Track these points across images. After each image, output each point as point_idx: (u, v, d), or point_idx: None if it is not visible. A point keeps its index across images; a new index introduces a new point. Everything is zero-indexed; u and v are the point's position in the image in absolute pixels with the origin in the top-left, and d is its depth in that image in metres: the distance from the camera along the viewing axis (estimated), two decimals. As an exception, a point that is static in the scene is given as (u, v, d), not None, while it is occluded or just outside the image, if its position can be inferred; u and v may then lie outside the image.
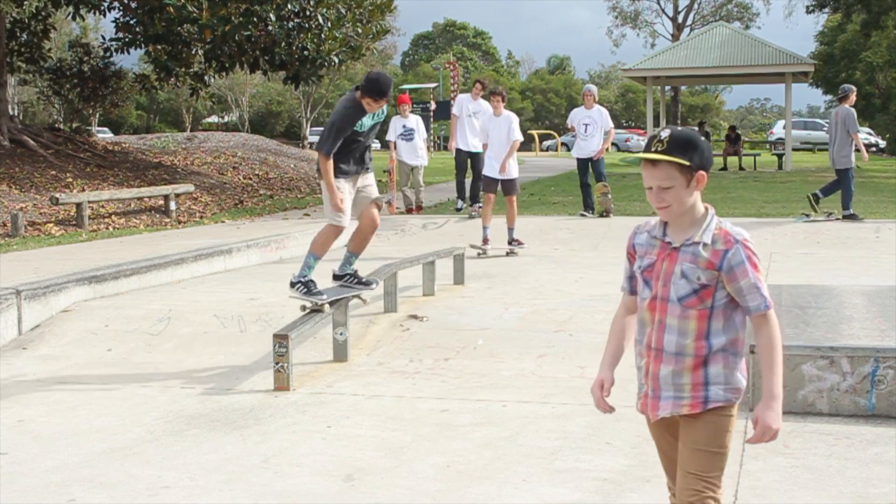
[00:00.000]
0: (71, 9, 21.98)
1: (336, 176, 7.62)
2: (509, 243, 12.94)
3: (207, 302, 9.27)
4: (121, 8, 22.65)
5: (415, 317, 8.58)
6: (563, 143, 58.59)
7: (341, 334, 7.43)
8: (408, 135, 16.99)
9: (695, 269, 3.20)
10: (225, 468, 5.12)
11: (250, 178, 25.33)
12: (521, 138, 13.01)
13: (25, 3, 19.24)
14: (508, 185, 12.87)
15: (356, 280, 7.88)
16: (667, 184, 3.16)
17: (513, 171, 12.87)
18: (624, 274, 3.53)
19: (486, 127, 13.25)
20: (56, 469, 5.14)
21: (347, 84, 74.92)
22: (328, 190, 7.59)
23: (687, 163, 3.12)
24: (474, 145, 16.37)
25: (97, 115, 37.04)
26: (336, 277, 7.92)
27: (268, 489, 4.80)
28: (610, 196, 16.13)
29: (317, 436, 5.68)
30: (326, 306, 7.44)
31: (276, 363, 6.73)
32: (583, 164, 16.22)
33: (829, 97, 67.95)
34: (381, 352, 7.71)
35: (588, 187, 16.23)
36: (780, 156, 33.61)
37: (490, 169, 12.88)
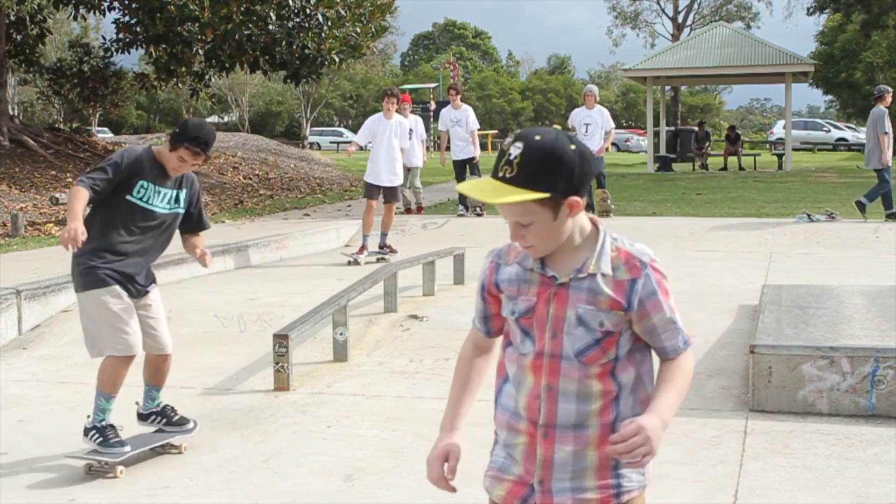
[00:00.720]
0: (71, 9, 21.99)
1: (99, 276, 5.30)
2: (381, 247, 12.52)
3: (208, 302, 9.27)
4: (121, 8, 22.66)
5: (415, 317, 8.59)
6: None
7: (341, 334, 7.43)
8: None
9: (595, 313, 2.42)
10: (225, 468, 5.12)
11: (250, 178, 25.32)
12: (405, 145, 12.57)
13: (27, 1, 19.24)
14: (390, 193, 12.40)
15: (165, 419, 5.56)
16: (526, 219, 2.38)
17: (398, 179, 12.49)
18: (476, 314, 2.70)
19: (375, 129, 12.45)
20: (56, 469, 5.14)
21: (347, 84, 75.07)
22: (69, 219, 5.16)
23: (545, 194, 2.32)
24: (467, 151, 16.64)
25: (97, 115, 37.05)
26: (141, 418, 5.61)
27: (268, 489, 4.80)
28: (609, 201, 16.16)
29: (317, 436, 5.68)
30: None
31: (277, 363, 6.72)
32: None
33: (829, 97, 67.95)
34: (381, 352, 7.71)
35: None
36: (780, 156, 33.59)
37: (374, 176, 12.28)
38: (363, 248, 12.27)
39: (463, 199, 16.81)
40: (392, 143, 12.23)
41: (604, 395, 2.45)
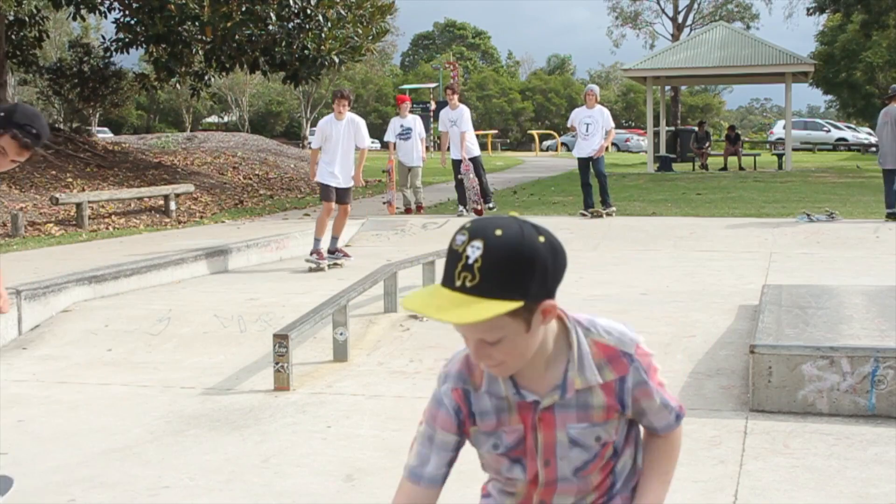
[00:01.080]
0: (72, 9, 22.00)
1: None
2: (331, 252, 12.04)
3: (207, 302, 9.27)
4: (121, 8, 22.66)
5: (415, 317, 8.58)
6: (562, 143, 58.56)
7: (341, 334, 7.43)
8: (405, 134, 16.98)
9: (590, 430, 2.11)
10: (225, 468, 5.12)
11: (250, 178, 25.33)
12: (364, 146, 12.07)
13: (24, 1, 19.24)
14: (343, 194, 11.97)
15: None
16: (493, 336, 1.95)
17: (350, 181, 12.03)
18: (416, 456, 2.28)
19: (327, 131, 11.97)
20: (56, 469, 5.14)
21: (347, 84, 75.06)
22: None
23: (517, 303, 1.91)
24: (469, 151, 16.68)
25: (97, 115, 37.07)
26: None
27: (268, 489, 4.81)
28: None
29: (317, 436, 5.68)
30: None
31: (277, 363, 6.73)
32: (584, 163, 16.24)
33: (829, 97, 67.98)
34: (381, 352, 7.71)
35: (589, 187, 16.22)
36: (780, 156, 33.61)
37: (327, 177, 11.86)
38: (319, 252, 11.76)
39: (462, 198, 16.82)
40: (345, 144, 11.89)
41: (601, 483, 2.21)
